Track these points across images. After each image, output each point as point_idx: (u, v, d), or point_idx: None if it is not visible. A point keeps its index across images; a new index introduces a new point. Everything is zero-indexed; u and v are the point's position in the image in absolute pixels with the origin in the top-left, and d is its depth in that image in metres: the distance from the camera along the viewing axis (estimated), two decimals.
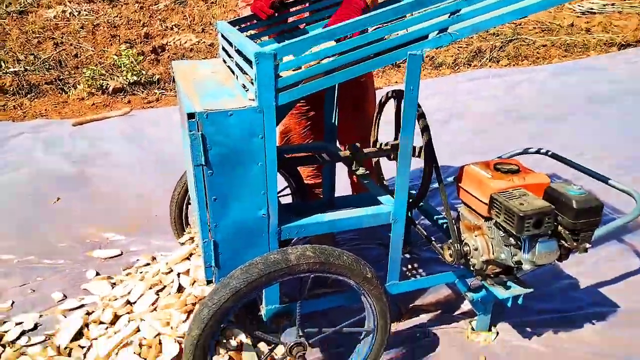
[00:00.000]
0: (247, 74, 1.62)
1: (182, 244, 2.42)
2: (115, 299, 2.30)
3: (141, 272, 2.44)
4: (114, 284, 2.58)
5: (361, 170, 2.21)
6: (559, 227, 1.80)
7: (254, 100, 1.52)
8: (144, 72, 6.13)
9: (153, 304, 2.16)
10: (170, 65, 6.37)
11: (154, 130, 4.79)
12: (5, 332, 2.30)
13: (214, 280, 1.73)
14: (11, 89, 5.87)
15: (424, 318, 2.38)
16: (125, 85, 5.97)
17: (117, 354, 2.00)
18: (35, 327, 2.36)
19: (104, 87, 5.92)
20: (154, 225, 3.24)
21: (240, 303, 1.60)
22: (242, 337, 2.07)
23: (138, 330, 2.06)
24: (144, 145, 4.51)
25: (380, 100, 2.21)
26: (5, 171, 4.02)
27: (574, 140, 4.35)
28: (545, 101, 5.40)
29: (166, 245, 2.96)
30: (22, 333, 2.30)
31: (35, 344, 2.23)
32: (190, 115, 1.45)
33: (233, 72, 1.82)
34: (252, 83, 1.52)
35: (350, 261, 1.70)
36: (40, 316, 2.43)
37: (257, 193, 1.62)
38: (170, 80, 6.23)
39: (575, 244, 1.80)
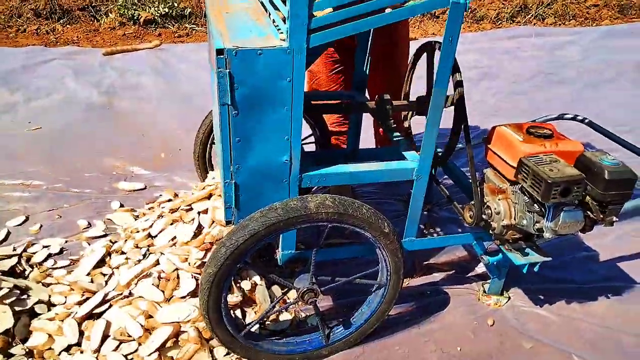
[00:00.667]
0: (279, 11, 1.56)
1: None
2: (137, 231, 2.36)
3: (162, 207, 2.49)
4: (137, 216, 2.65)
5: (388, 123, 2.17)
6: (587, 198, 1.75)
7: (285, 40, 1.47)
8: (175, 4, 6.02)
9: (173, 239, 2.22)
10: None
11: (183, 66, 4.76)
12: (34, 253, 2.41)
13: (233, 221, 1.75)
14: (44, 13, 5.86)
15: (436, 276, 2.39)
16: (156, 17, 5.89)
17: (136, 284, 2.08)
18: (61, 251, 2.46)
19: (135, 18, 5.85)
20: (177, 162, 3.28)
21: (257, 245, 1.63)
22: (257, 279, 2.12)
23: (157, 263, 2.13)
24: (172, 81, 4.49)
25: (416, 51, 2.12)
26: (37, 96, 4.08)
27: (614, 110, 4.16)
28: (588, 66, 5.13)
29: (189, 183, 3.01)
30: (49, 256, 2.41)
31: (60, 267, 2.34)
32: (219, 52, 1.41)
33: (266, 9, 1.75)
34: (285, 21, 1.46)
35: (369, 214, 1.69)
36: (66, 241, 2.53)
37: (280, 138, 1.60)
38: (201, 15, 6.11)
39: (601, 216, 1.75)
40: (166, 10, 5.90)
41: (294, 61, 1.48)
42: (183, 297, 2.00)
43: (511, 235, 1.94)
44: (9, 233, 2.57)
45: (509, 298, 2.26)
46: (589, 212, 1.77)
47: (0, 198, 2.84)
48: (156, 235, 2.27)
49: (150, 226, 2.33)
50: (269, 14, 1.69)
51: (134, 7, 5.96)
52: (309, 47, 1.47)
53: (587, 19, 6.65)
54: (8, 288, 2.03)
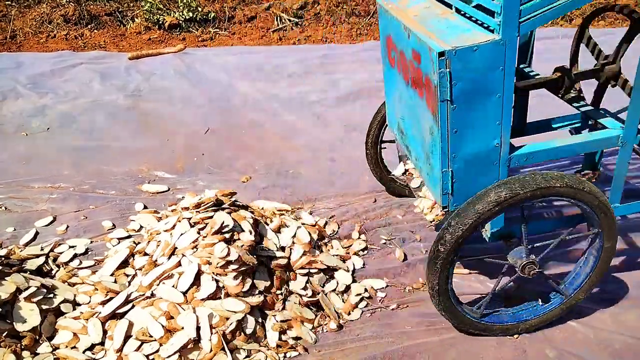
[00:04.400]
0: (485, 7, 1.63)
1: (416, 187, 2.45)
2: (159, 233, 2.39)
3: (184, 210, 2.51)
4: (160, 218, 2.69)
5: (571, 94, 2.13)
6: None
7: (496, 33, 1.56)
8: (199, 9, 6.10)
9: (194, 241, 2.23)
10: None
11: (206, 70, 4.81)
12: (60, 253, 2.47)
13: (448, 207, 1.86)
14: (73, 19, 6.01)
15: (458, 282, 2.35)
16: (180, 22, 5.98)
17: (158, 285, 2.10)
18: (86, 251, 2.51)
19: (160, 23, 5.96)
20: (200, 165, 3.32)
21: (494, 216, 1.71)
22: None
23: (179, 264, 2.15)
24: (195, 84, 4.55)
25: (588, 15, 2.07)
26: (64, 100, 4.19)
27: None
28: None
29: (211, 186, 3.04)
30: (75, 256, 2.46)
31: (86, 267, 2.39)
32: (441, 54, 1.52)
33: (449, 6, 1.85)
34: (494, 15, 1.55)
35: (596, 189, 1.74)
36: (91, 242, 2.58)
37: (492, 123, 1.70)
38: (225, 19, 6.18)
39: None
40: (190, 14, 5.99)
41: (506, 51, 1.57)
42: (203, 299, 2.02)
43: None
44: (37, 233, 2.64)
45: None
46: None
47: (29, 199, 2.92)
48: (178, 238, 2.29)
49: (173, 227, 2.36)
50: (454, 10, 1.81)
51: (159, 12, 6.06)
52: (518, 36, 1.55)
53: (617, 19, 6.48)
54: (35, 287, 2.08)
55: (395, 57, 2.02)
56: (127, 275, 2.27)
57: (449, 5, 1.85)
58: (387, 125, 2.53)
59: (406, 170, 2.42)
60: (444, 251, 1.73)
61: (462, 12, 1.77)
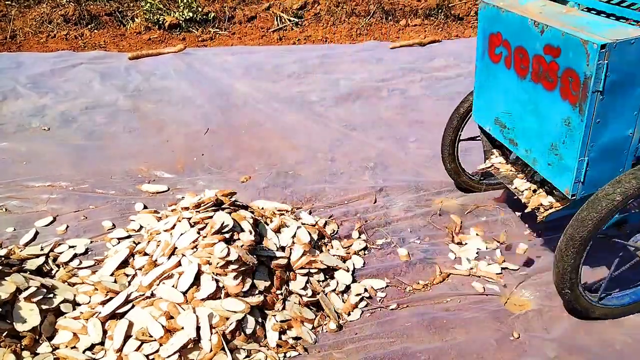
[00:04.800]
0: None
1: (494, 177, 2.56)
2: (159, 233, 2.40)
3: (185, 210, 2.51)
4: (160, 218, 2.69)
5: None
6: None
7: None
8: (200, 9, 6.10)
9: (194, 241, 2.23)
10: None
11: (206, 69, 4.81)
12: (60, 253, 2.47)
13: (577, 195, 1.94)
14: (73, 19, 6.01)
15: (457, 282, 2.35)
16: (180, 22, 5.98)
17: (158, 285, 2.10)
18: (86, 251, 2.51)
19: (160, 23, 5.96)
20: (200, 165, 3.32)
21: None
22: None
23: (179, 264, 2.15)
24: (195, 84, 4.54)
25: None
26: (64, 100, 4.18)
27: None
28: None
29: (211, 186, 3.04)
30: (74, 256, 2.46)
31: (85, 267, 2.39)
32: (603, 46, 1.63)
33: (563, 3, 2.02)
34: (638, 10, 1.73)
35: None
36: (91, 242, 2.58)
37: (630, 114, 1.80)
38: (225, 19, 6.17)
39: None
40: (190, 14, 5.99)
41: None
42: (203, 299, 2.02)
43: None
44: (37, 233, 2.64)
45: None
46: None
47: (29, 200, 2.92)
48: (178, 237, 2.29)
49: (172, 227, 2.36)
50: (579, 8, 1.97)
51: (159, 12, 6.06)
52: None
53: None
54: (35, 287, 2.08)
55: (502, 53, 2.11)
56: (127, 275, 2.27)
57: (564, 2, 1.97)
58: (467, 120, 2.63)
59: (492, 165, 2.55)
60: (580, 235, 1.79)
61: (584, 9, 1.90)
